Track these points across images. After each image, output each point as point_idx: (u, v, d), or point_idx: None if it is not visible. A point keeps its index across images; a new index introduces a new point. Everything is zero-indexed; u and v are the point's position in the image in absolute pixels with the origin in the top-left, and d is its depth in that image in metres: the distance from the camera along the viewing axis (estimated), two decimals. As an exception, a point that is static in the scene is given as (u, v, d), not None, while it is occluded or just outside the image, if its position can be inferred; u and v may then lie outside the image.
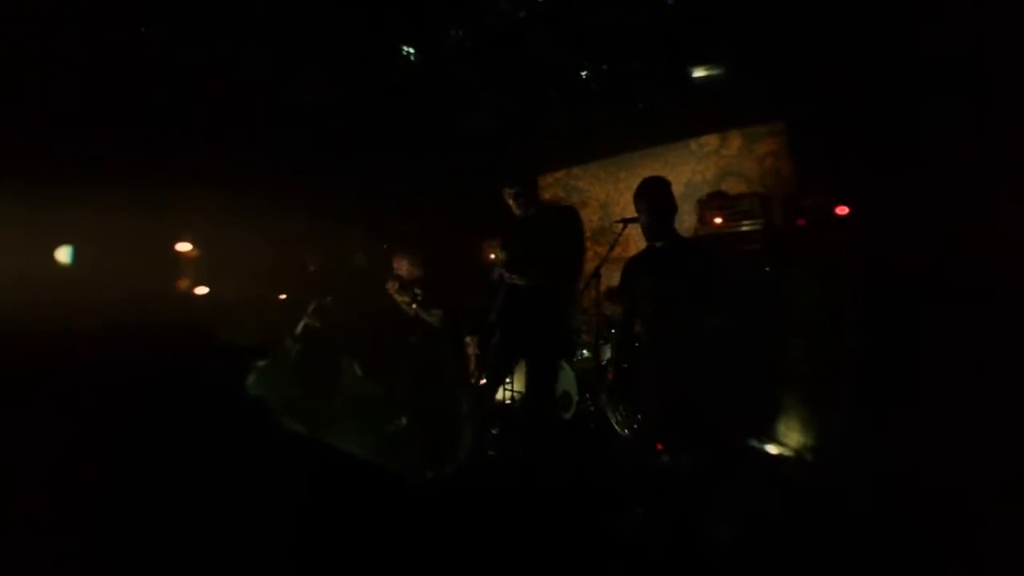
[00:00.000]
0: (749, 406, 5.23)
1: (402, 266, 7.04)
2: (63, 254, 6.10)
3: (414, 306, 6.81)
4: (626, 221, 4.60)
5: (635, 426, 4.20)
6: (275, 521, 1.88)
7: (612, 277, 4.66)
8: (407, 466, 5.64)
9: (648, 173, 8.01)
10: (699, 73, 6.82)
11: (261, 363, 6.48)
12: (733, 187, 7.44)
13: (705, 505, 3.80)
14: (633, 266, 4.36)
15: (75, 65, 5.58)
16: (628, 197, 8.52)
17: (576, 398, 6.57)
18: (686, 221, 6.51)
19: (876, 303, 5.15)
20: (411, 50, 6.39)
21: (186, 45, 6.02)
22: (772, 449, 5.38)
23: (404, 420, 7.02)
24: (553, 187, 9.26)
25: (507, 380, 5.90)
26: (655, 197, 4.16)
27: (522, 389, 5.52)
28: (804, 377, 5.45)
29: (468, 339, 5.53)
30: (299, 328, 7.53)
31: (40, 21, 5.21)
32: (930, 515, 3.73)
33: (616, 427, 4.46)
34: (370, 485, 2.15)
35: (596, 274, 5.05)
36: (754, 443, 5.38)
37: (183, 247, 7.59)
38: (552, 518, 3.66)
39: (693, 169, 7.92)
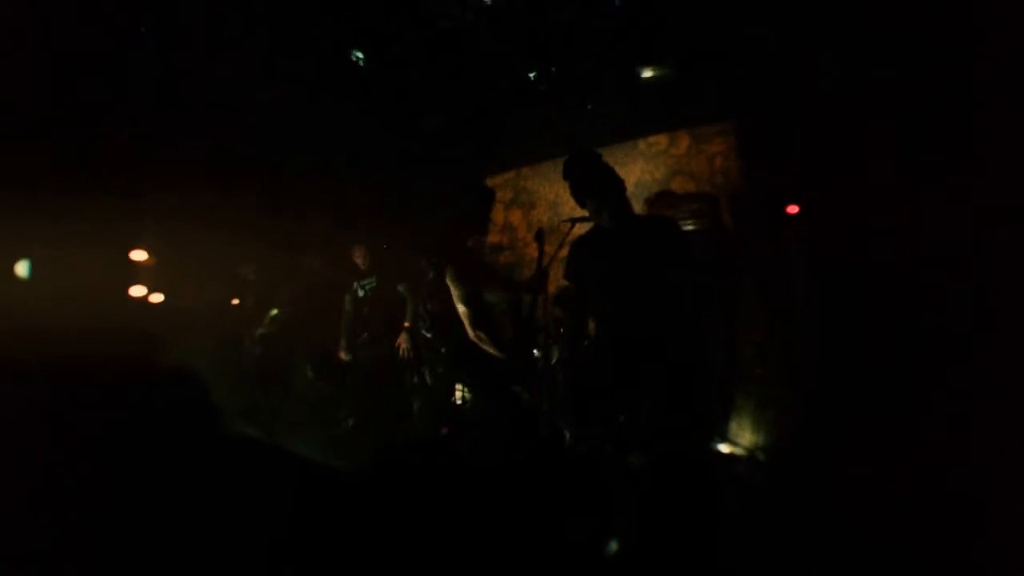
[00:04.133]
0: (703, 405, 5.25)
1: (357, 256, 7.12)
2: (21, 268, 5.98)
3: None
4: (574, 220, 4.59)
5: (590, 439, 4.15)
6: (230, 522, 1.86)
7: (561, 277, 4.67)
8: (354, 466, 5.64)
9: (597, 172, 8.04)
10: (648, 73, 6.85)
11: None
12: (682, 187, 7.47)
13: (660, 506, 3.79)
14: (583, 249, 4.22)
15: (28, 67, 5.47)
16: (576, 199, 8.59)
17: (526, 396, 6.56)
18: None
19: (828, 302, 5.21)
20: (359, 55, 6.35)
21: (139, 49, 5.93)
22: (725, 449, 5.42)
23: (351, 421, 7.01)
24: (503, 188, 9.22)
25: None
26: (592, 170, 4.10)
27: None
28: (756, 377, 5.50)
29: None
30: (258, 333, 7.49)
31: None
32: (885, 514, 3.78)
33: (569, 437, 4.43)
34: (320, 485, 2.14)
35: (544, 273, 5.05)
36: (708, 443, 5.41)
37: (138, 255, 7.48)
38: (503, 518, 3.65)
39: (642, 169, 7.94)
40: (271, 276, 7.93)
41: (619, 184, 4.04)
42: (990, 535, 3.30)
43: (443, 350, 5.03)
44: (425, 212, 7.89)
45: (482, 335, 4.72)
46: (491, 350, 4.74)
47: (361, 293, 7.08)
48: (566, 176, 4.14)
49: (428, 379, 5.51)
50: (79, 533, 1.87)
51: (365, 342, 7.05)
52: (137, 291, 7.30)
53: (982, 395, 3.96)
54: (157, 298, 7.56)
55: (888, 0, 5.03)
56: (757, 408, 5.40)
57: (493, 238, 9.14)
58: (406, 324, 6.06)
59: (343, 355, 7.04)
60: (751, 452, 5.32)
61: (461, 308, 4.75)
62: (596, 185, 4.04)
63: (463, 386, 5.67)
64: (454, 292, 4.77)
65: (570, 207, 8.20)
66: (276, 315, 7.52)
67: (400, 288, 6.49)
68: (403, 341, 6.17)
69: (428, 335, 5.18)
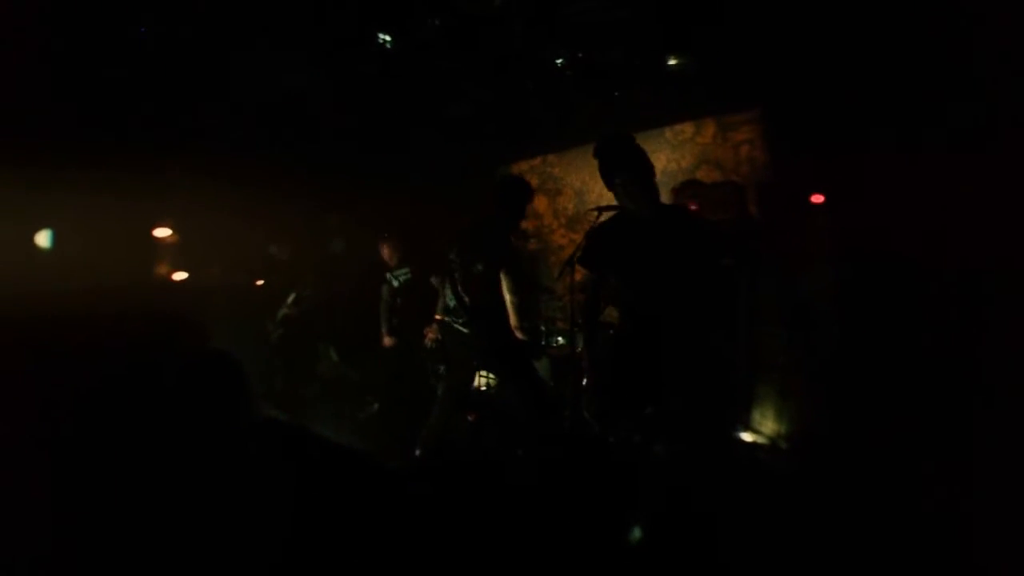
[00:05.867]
0: (728, 394, 5.24)
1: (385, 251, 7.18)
2: (43, 238, 6.02)
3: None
4: (601, 209, 4.59)
5: (620, 433, 4.14)
6: (254, 505, 1.89)
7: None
8: (380, 450, 5.68)
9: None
10: (674, 61, 6.83)
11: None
12: (708, 175, 7.46)
13: (686, 494, 3.79)
14: (603, 236, 4.19)
15: (50, 48, 5.52)
16: (604, 185, 8.55)
17: (551, 385, 6.58)
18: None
19: (852, 292, 5.19)
20: (387, 38, 6.36)
21: (165, 29, 5.96)
22: (747, 437, 5.43)
23: (376, 406, 7.06)
24: (528, 175, 9.21)
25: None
26: (629, 155, 4.02)
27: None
28: (779, 366, 5.49)
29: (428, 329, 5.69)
30: (279, 315, 7.55)
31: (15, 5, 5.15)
32: (904, 504, 3.78)
33: (598, 431, 4.43)
34: (346, 470, 2.16)
35: (571, 262, 5.06)
36: (732, 432, 5.41)
37: (161, 232, 7.53)
38: (528, 508, 3.67)
39: (668, 157, 7.94)
40: (297, 258, 7.98)
41: (649, 168, 4.02)
42: (1006, 527, 3.31)
43: (480, 342, 5.07)
44: (452, 202, 7.92)
45: (527, 324, 4.82)
46: (526, 338, 4.84)
47: (396, 284, 7.13)
48: (597, 154, 4.11)
49: (455, 369, 5.52)
50: (101, 513, 1.90)
51: (394, 328, 7.12)
52: (160, 269, 7.37)
53: (1004, 387, 3.95)
54: (180, 276, 7.63)
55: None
56: (779, 398, 5.40)
57: (519, 226, 9.19)
58: (437, 317, 6.00)
59: (386, 341, 7.12)
60: (773, 441, 5.33)
61: (512, 298, 4.84)
62: (626, 166, 4.00)
63: (492, 375, 5.72)
64: (507, 283, 4.86)
65: (596, 194, 8.27)
66: (299, 297, 7.57)
67: (433, 280, 6.49)
68: (431, 332, 6.14)
69: (464, 329, 5.19)
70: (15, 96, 5.45)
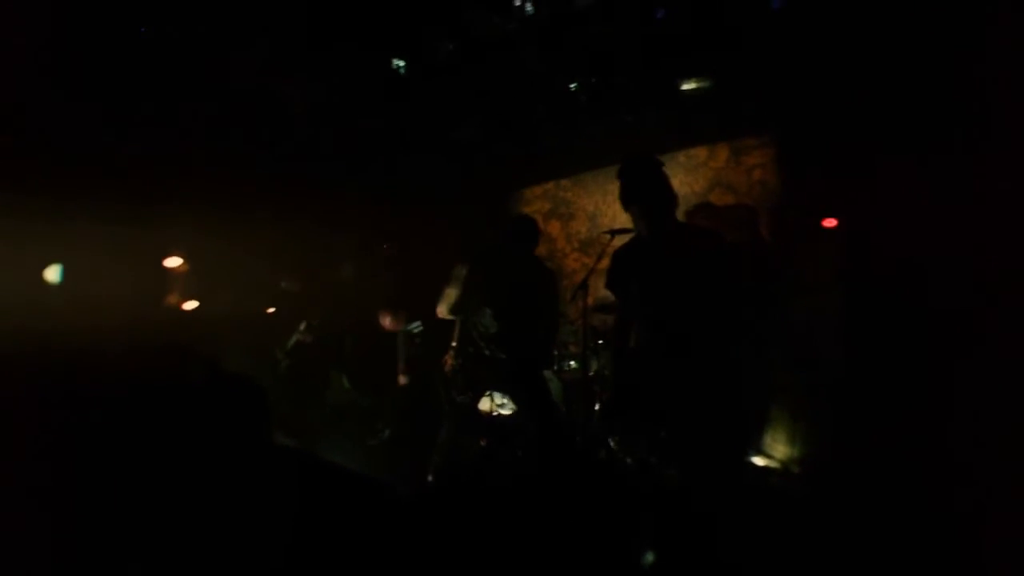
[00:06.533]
0: (742, 417, 5.21)
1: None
2: (52, 273, 6.03)
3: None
4: (614, 232, 4.58)
5: (638, 453, 4.12)
6: (265, 533, 1.87)
7: (599, 288, 4.70)
8: (391, 477, 5.66)
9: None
10: (687, 85, 6.83)
11: None
12: (721, 199, 7.45)
13: (698, 518, 3.75)
14: (625, 258, 4.13)
15: (61, 71, 5.54)
16: (616, 208, 8.51)
17: (564, 409, 6.55)
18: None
19: (864, 314, 5.16)
20: (401, 63, 6.38)
21: (176, 51, 5.98)
22: (759, 461, 5.38)
23: (387, 432, 7.03)
24: (541, 199, 9.26)
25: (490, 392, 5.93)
26: (647, 178, 3.97)
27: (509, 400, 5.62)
28: (792, 388, 5.46)
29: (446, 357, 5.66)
30: (290, 343, 7.54)
31: (26, 24, 5.17)
32: (919, 525, 3.74)
33: (617, 451, 4.40)
34: (357, 496, 2.14)
35: (583, 285, 5.04)
36: (745, 455, 5.38)
37: (172, 262, 7.55)
38: (540, 531, 3.65)
39: (681, 181, 7.92)
40: (307, 286, 7.99)
41: (670, 196, 3.98)
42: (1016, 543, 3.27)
43: (515, 367, 5.06)
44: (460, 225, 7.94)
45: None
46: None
47: (414, 333, 7.25)
48: (621, 175, 4.05)
49: (469, 394, 5.47)
50: (112, 540, 1.89)
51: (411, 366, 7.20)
52: (171, 298, 7.39)
53: (1016, 405, 3.93)
54: (191, 305, 7.64)
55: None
56: (791, 420, 5.37)
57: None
58: (454, 344, 5.91)
59: (401, 380, 7.17)
60: (785, 464, 5.28)
61: (556, 316, 5.17)
62: (647, 192, 3.96)
63: (507, 399, 5.68)
64: (550, 300, 5.14)
65: (609, 218, 8.27)
66: (311, 325, 7.57)
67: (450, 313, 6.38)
68: (450, 359, 6.02)
69: (503, 355, 5.15)
70: (15, 96, 5.46)
